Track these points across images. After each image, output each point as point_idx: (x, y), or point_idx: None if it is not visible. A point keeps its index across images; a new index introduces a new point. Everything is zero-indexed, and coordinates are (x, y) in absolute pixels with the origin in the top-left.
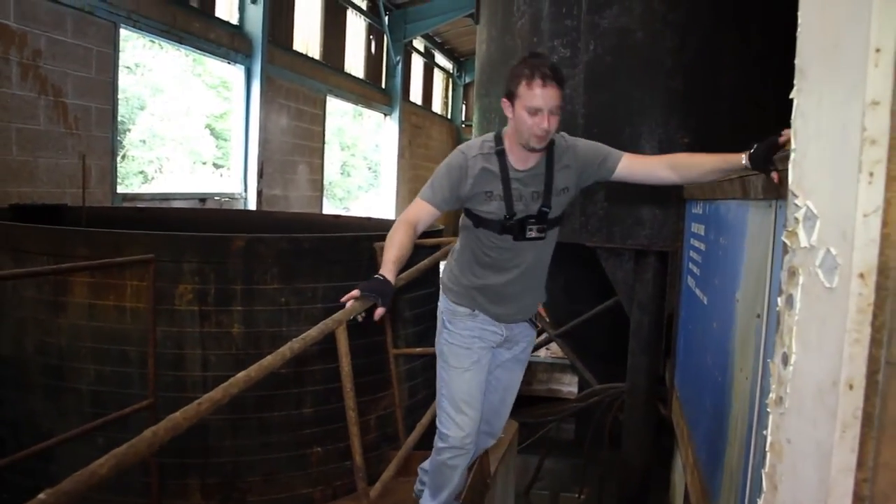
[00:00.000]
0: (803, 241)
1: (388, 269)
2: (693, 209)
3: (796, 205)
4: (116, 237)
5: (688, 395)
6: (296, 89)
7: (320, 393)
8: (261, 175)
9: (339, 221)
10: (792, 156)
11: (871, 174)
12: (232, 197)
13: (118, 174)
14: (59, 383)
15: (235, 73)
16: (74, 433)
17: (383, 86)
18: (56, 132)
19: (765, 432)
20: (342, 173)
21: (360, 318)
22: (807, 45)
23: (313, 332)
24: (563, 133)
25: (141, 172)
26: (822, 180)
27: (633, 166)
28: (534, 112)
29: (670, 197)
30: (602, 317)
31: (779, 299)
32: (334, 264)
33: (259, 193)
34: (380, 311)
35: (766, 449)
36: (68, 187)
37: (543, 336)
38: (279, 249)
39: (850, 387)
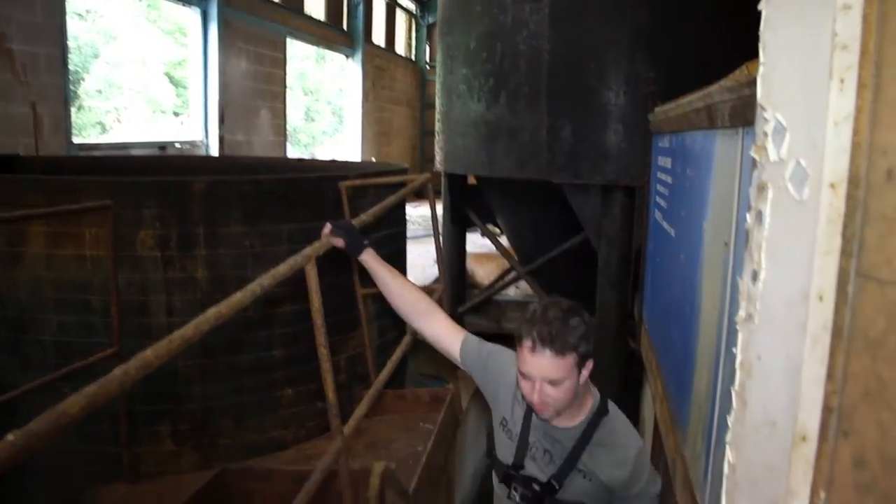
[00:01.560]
0: (772, 155)
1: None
2: (659, 143)
3: (765, 118)
4: (73, 184)
5: (656, 328)
6: (255, 32)
7: (289, 335)
8: (222, 121)
9: (303, 165)
10: (760, 69)
11: (842, 81)
12: (193, 144)
13: (74, 125)
14: (21, 335)
15: (191, 16)
16: (39, 383)
17: (345, 27)
18: (2, 80)
19: (734, 349)
20: (306, 119)
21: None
22: None
23: (282, 269)
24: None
25: (99, 123)
26: (791, 91)
27: None
28: (523, 376)
29: (637, 131)
30: (570, 253)
31: (747, 215)
32: (299, 205)
33: (221, 139)
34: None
35: (736, 367)
36: (21, 137)
37: (512, 274)
38: (241, 192)
39: (821, 299)
